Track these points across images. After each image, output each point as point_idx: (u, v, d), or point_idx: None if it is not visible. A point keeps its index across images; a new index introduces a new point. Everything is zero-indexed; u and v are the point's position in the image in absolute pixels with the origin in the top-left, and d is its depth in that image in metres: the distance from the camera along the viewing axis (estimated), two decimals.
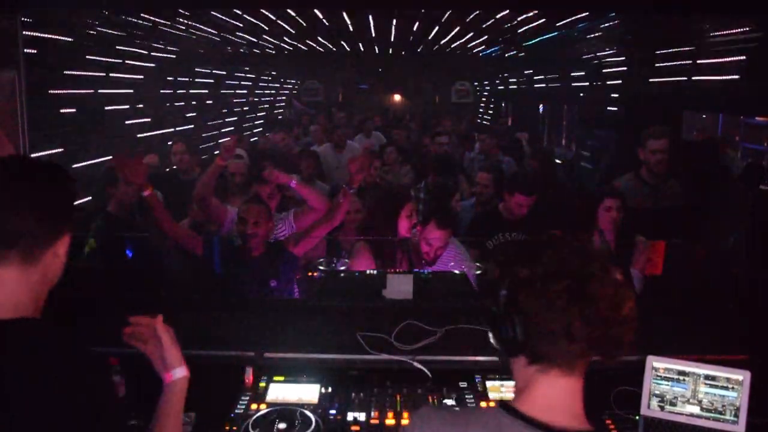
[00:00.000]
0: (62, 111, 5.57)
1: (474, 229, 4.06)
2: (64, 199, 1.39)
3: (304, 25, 7.24)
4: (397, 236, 3.43)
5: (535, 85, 11.04)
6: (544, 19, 6.37)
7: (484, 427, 1.13)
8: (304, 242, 3.49)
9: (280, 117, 13.62)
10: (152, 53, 7.79)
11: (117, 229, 3.76)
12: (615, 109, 7.64)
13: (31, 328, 1.31)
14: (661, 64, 6.34)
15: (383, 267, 3.34)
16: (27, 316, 1.31)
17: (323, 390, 2.32)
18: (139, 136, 7.17)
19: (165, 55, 8.11)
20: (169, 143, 5.12)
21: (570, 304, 1.11)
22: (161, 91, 8.10)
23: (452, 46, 9.32)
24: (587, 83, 8.70)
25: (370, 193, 4.29)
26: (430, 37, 8.35)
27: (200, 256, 3.43)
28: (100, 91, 6.48)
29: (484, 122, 14.08)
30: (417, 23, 7.03)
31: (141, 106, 7.28)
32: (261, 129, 11.09)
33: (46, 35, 5.20)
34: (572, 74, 9.05)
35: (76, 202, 1.42)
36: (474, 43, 8.86)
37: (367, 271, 3.28)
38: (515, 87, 12.43)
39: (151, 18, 6.25)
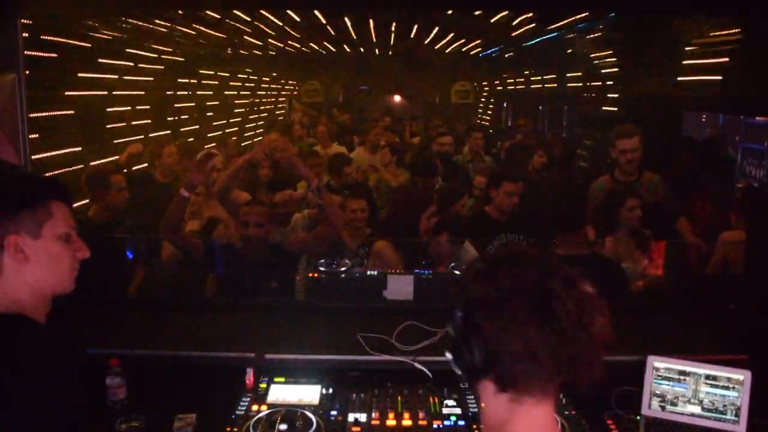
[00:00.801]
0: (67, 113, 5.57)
1: (465, 234, 4.02)
2: None
3: (305, 26, 7.26)
4: (417, 237, 3.46)
5: (535, 86, 11.06)
6: (543, 20, 6.38)
7: None
8: (305, 246, 3.51)
9: (281, 118, 13.64)
10: (160, 56, 7.81)
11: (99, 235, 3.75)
12: (614, 109, 7.64)
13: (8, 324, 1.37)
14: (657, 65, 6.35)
15: (407, 267, 3.37)
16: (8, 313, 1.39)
17: (324, 391, 2.32)
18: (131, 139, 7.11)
19: (171, 57, 8.13)
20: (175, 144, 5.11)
21: (529, 323, 1.03)
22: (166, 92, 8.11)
23: (452, 46, 9.33)
24: (587, 83, 8.71)
25: (393, 195, 4.33)
26: (429, 38, 8.36)
27: (201, 258, 3.43)
28: (111, 93, 6.51)
29: (484, 122, 14.10)
30: (416, 24, 7.04)
31: (143, 107, 7.28)
32: (262, 130, 11.10)
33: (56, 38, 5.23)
34: (572, 74, 9.06)
35: (23, 200, 1.44)
36: (474, 43, 8.87)
37: (368, 272, 3.28)
38: (515, 87, 12.44)
39: (152, 20, 6.25)
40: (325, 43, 8.88)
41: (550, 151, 6.61)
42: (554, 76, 9.84)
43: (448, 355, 1.14)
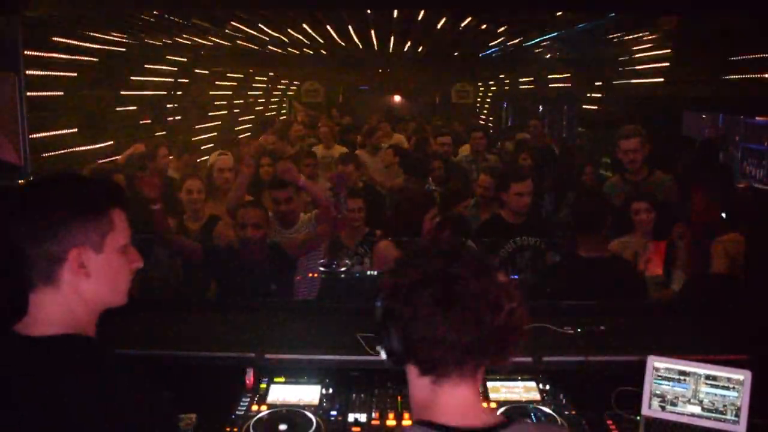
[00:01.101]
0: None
1: (479, 238, 4.00)
2: (58, 208, 1.28)
3: (305, 26, 7.26)
4: (420, 237, 3.46)
5: (535, 86, 11.06)
6: (542, 20, 6.38)
7: None
8: (303, 248, 3.51)
9: (283, 118, 13.63)
10: (163, 56, 7.83)
11: None
12: (614, 109, 7.65)
13: (76, 346, 1.27)
14: (660, 65, 6.36)
15: None
16: (70, 333, 1.27)
17: (324, 391, 2.32)
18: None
19: (171, 57, 8.13)
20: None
21: (435, 310, 1.09)
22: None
23: (452, 46, 9.34)
24: (587, 83, 8.72)
25: (396, 196, 4.33)
26: (429, 38, 8.36)
27: (200, 262, 3.43)
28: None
29: (483, 122, 14.10)
30: (416, 24, 7.04)
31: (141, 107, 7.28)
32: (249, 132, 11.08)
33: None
34: (571, 75, 9.07)
35: (89, 209, 1.31)
36: (473, 43, 8.87)
37: (368, 272, 3.28)
38: (515, 87, 12.44)
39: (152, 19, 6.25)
40: (326, 43, 8.86)
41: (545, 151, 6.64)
42: (554, 76, 9.84)
43: (378, 348, 1.21)
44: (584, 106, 8.74)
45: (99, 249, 1.30)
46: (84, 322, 1.31)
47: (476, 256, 1.17)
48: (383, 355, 1.20)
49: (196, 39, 7.60)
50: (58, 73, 5.33)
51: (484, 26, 7.06)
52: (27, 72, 2.67)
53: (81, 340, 1.28)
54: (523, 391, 2.36)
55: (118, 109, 6.69)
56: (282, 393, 2.31)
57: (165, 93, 8.14)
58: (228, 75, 10.99)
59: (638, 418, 2.21)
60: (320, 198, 3.72)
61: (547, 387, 2.37)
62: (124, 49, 6.66)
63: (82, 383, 1.20)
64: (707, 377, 2.17)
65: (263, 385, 2.36)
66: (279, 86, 14.86)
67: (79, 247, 1.27)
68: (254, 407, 2.23)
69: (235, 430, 2.10)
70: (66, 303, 1.29)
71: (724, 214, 4.47)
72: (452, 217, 4.02)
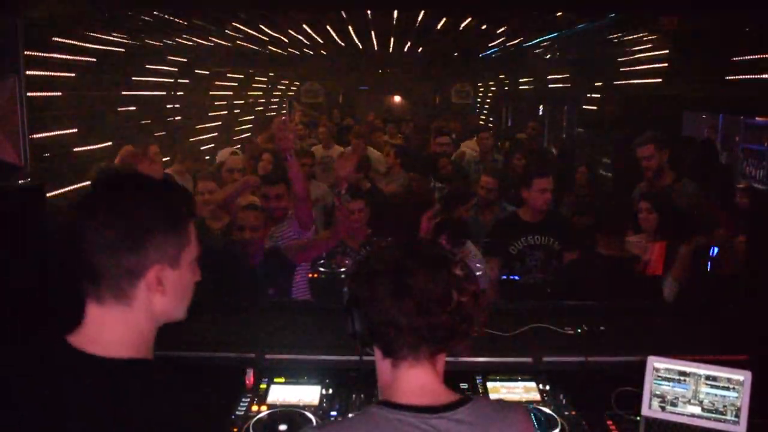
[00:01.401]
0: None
1: (495, 236, 3.96)
2: (145, 219, 1.15)
3: (305, 26, 7.26)
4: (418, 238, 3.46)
5: (535, 86, 11.06)
6: (542, 20, 6.38)
7: (367, 423, 1.18)
8: (304, 254, 3.50)
9: (284, 118, 13.63)
10: (164, 57, 7.83)
11: None
12: (614, 109, 7.65)
13: (145, 371, 1.19)
14: (660, 65, 6.36)
15: None
16: (136, 356, 1.18)
17: (324, 391, 2.32)
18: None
19: (171, 57, 8.13)
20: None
21: (389, 297, 1.19)
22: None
23: (452, 46, 9.34)
24: (587, 84, 8.71)
25: (395, 196, 4.33)
26: (429, 38, 8.36)
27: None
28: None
29: (484, 123, 14.10)
30: (416, 24, 7.03)
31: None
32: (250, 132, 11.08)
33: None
34: (572, 75, 9.07)
35: (172, 220, 1.19)
36: (473, 43, 8.86)
37: None
38: (515, 87, 12.44)
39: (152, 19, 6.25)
40: (325, 43, 8.86)
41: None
42: (554, 76, 9.83)
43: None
44: (584, 107, 8.74)
45: (176, 264, 1.20)
46: (148, 341, 1.24)
47: (434, 252, 1.26)
48: (352, 338, 1.32)
49: (196, 39, 7.60)
50: (59, 74, 5.33)
51: (483, 27, 7.06)
52: (27, 72, 2.66)
53: (154, 365, 1.23)
54: (523, 391, 2.36)
55: (119, 109, 6.69)
56: (282, 393, 2.32)
57: (165, 93, 8.14)
58: (228, 75, 10.99)
59: (638, 418, 2.21)
60: (299, 189, 3.62)
61: (547, 387, 2.37)
62: (123, 50, 6.66)
63: (157, 411, 1.13)
64: (707, 378, 2.17)
65: (263, 386, 2.36)
66: (279, 86, 14.86)
67: (160, 263, 1.16)
68: (254, 407, 2.23)
69: (235, 430, 2.10)
70: (136, 321, 1.19)
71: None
72: (451, 219, 4.02)
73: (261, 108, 13.56)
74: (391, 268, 1.22)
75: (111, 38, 6.18)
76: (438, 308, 1.18)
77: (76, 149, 5.50)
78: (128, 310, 1.17)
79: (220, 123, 10.10)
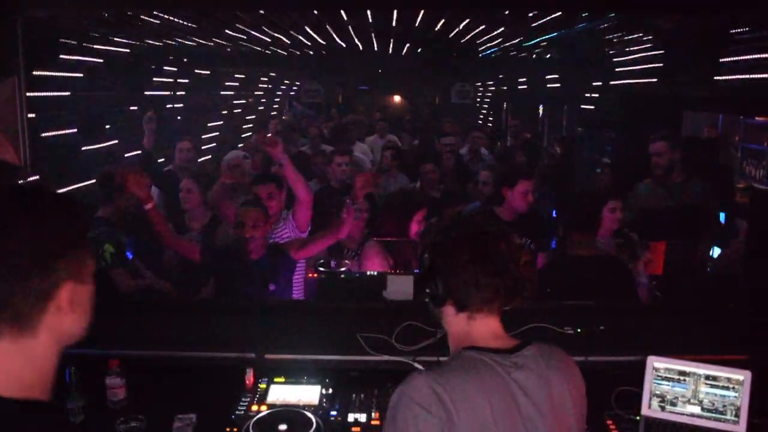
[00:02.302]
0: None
1: None
2: (54, 233, 1.01)
3: (304, 25, 7.26)
4: (408, 238, 3.47)
5: (535, 86, 11.05)
6: (542, 20, 6.38)
7: (468, 363, 1.41)
8: (305, 250, 3.50)
9: (285, 117, 13.64)
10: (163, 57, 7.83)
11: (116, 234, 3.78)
12: (614, 109, 7.65)
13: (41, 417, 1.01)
14: (659, 65, 6.36)
15: (395, 267, 3.37)
16: (32, 397, 1.00)
17: (324, 391, 2.32)
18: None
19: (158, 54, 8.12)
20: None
21: (472, 259, 1.44)
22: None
23: (452, 46, 9.32)
24: (586, 83, 8.71)
25: (386, 197, 4.33)
26: (429, 38, 8.36)
27: (199, 263, 3.42)
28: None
29: (485, 122, 14.09)
30: (416, 24, 7.03)
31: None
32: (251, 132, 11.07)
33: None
34: (572, 75, 9.07)
35: (75, 234, 1.05)
36: (473, 44, 8.86)
37: (368, 272, 3.29)
38: (515, 87, 12.43)
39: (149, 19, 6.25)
40: (325, 43, 8.86)
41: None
42: (554, 76, 9.83)
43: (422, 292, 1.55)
44: (582, 106, 8.74)
45: (84, 280, 1.06)
46: (51, 374, 1.06)
47: (498, 225, 1.56)
48: (426, 300, 1.54)
49: (198, 40, 7.60)
50: (63, 74, 5.33)
51: (483, 27, 7.06)
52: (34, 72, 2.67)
53: (51, 411, 1.06)
54: None
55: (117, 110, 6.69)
56: (282, 393, 2.32)
57: (165, 93, 8.14)
58: (227, 75, 10.99)
59: (638, 418, 2.21)
60: (300, 193, 3.66)
61: None
62: (127, 50, 6.67)
63: None
64: (707, 377, 2.17)
65: (263, 385, 2.36)
66: (281, 86, 14.86)
67: (71, 281, 1.02)
68: (254, 407, 2.23)
69: (235, 430, 2.11)
70: (34, 353, 1.01)
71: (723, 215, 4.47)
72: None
73: (262, 108, 13.56)
74: (471, 237, 1.48)
75: (112, 39, 6.19)
76: (510, 269, 1.45)
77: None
78: (31, 339, 1.00)
79: (221, 122, 10.10)
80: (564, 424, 1.42)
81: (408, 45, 9.14)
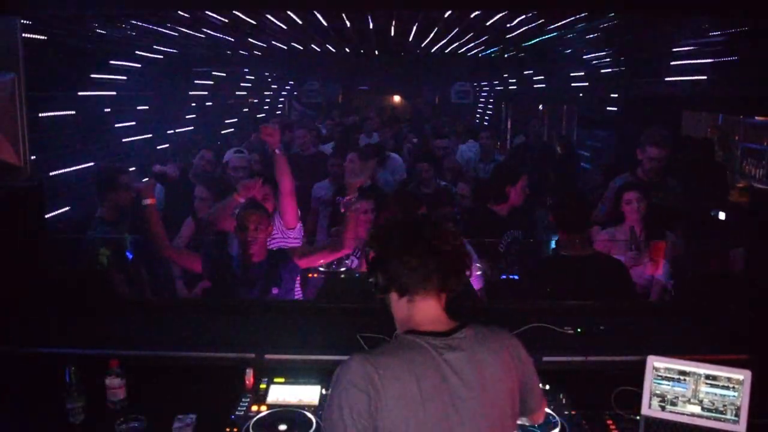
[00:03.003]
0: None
1: (476, 233, 4.02)
2: None
3: (303, 25, 7.25)
4: None
5: (535, 86, 11.05)
6: (542, 20, 6.38)
7: (404, 346, 1.54)
8: (308, 259, 3.51)
9: (285, 117, 13.66)
10: (156, 55, 7.82)
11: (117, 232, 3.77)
12: (614, 108, 7.65)
13: None
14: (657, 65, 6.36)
15: None
16: None
17: (324, 391, 2.32)
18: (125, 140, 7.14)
19: (162, 56, 8.12)
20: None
21: (402, 244, 1.58)
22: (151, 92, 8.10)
23: (452, 46, 9.32)
24: (587, 83, 8.71)
25: (389, 196, 4.33)
26: (429, 38, 8.36)
27: (200, 273, 3.40)
28: (98, 93, 6.52)
29: (482, 122, 14.09)
30: (416, 24, 7.03)
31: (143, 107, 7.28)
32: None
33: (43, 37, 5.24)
34: (571, 74, 9.07)
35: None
36: (473, 44, 8.86)
37: None
38: (515, 87, 12.43)
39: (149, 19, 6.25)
40: (325, 43, 8.86)
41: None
42: (555, 76, 9.83)
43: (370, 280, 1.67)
44: (583, 106, 8.75)
45: None
46: None
47: (428, 215, 1.78)
48: (373, 290, 1.66)
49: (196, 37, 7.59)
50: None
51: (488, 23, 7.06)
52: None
53: None
54: None
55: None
56: (282, 393, 2.31)
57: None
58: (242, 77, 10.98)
59: (638, 418, 2.21)
60: (284, 184, 3.66)
61: (547, 387, 2.37)
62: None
63: None
64: (707, 377, 2.17)
65: (263, 386, 2.36)
66: (272, 85, 14.83)
67: None
68: (254, 407, 2.23)
69: (235, 430, 2.11)
70: None
71: (723, 214, 4.47)
72: (440, 216, 4.03)
73: (279, 108, 13.57)
74: (400, 225, 1.65)
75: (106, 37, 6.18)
76: (439, 250, 1.57)
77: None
78: None
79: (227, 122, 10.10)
80: (495, 401, 1.53)
81: (408, 44, 9.12)
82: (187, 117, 9.08)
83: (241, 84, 12.43)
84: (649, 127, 4.20)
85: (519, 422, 1.78)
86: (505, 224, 3.92)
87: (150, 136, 7.56)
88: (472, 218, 4.19)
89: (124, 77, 6.97)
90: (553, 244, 3.79)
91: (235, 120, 11.39)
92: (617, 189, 3.84)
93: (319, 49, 9.63)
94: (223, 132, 10.39)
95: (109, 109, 6.61)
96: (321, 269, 3.77)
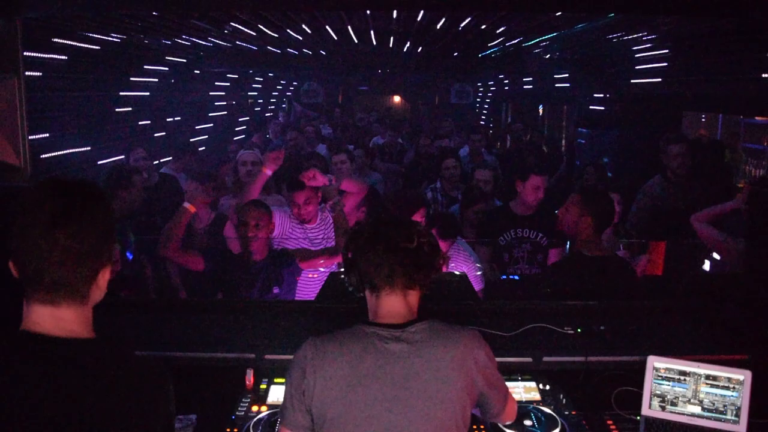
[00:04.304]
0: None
1: (486, 227, 4.02)
2: (104, 222, 1.26)
3: (303, 26, 7.25)
4: None
5: (534, 86, 11.05)
6: (542, 20, 6.38)
7: (351, 334, 1.63)
8: (310, 263, 3.51)
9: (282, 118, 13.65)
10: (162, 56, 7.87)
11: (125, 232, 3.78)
12: (614, 109, 7.65)
13: (92, 347, 1.29)
14: (661, 65, 6.35)
15: None
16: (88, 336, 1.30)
17: None
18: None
19: (173, 59, 8.15)
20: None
21: (368, 241, 1.68)
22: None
23: (451, 46, 9.32)
24: (586, 83, 8.71)
25: (387, 196, 4.34)
26: (429, 38, 8.35)
27: (203, 272, 3.40)
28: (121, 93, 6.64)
29: (485, 122, 14.09)
30: (416, 24, 7.03)
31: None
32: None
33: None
34: (572, 75, 9.07)
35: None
36: (472, 44, 8.86)
37: None
38: (514, 87, 12.43)
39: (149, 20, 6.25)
40: (324, 43, 8.86)
41: None
42: (554, 76, 9.83)
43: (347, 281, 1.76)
44: (583, 106, 8.74)
45: (110, 260, 1.31)
46: (91, 322, 1.33)
47: (397, 216, 1.81)
48: (350, 289, 1.76)
49: (195, 40, 7.60)
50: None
51: (483, 26, 7.06)
52: (26, 73, 2.66)
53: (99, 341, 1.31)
54: (523, 391, 2.36)
55: (117, 110, 6.70)
56: (282, 393, 2.30)
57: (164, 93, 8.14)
58: (227, 75, 10.99)
59: (638, 418, 2.21)
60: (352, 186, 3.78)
61: (547, 387, 2.37)
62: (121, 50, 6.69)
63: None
64: (707, 377, 2.17)
65: (263, 386, 2.36)
66: (278, 86, 14.86)
67: (107, 264, 1.29)
68: (254, 408, 2.23)
69: (235, 430, 2.11)
70: (86, 314, 1.31)
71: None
72: (440, 214, 4.02)
73: (258, 108, 13.56)
74: (368, 226, 1.73)
75: (109, 39, 6.19)
76: (403, 248, 1.65)
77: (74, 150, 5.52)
78: (84, 308, 1.29)
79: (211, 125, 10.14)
80: (435, 395, 1.57)
81: (408, 44, 9.12)
82: (209, 115, 9.56)
83: (253, 85, 12.62)
84: (651, 130, 4.26)
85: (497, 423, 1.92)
86: (517, 221, 3.86)
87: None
88: (488, 217, 4.13)
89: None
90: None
91: (247, 118, 11.62)
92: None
93: (323, 52, 9.65)
94: (237, 129, 10.73)
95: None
96: (321, 269, 3.78)
